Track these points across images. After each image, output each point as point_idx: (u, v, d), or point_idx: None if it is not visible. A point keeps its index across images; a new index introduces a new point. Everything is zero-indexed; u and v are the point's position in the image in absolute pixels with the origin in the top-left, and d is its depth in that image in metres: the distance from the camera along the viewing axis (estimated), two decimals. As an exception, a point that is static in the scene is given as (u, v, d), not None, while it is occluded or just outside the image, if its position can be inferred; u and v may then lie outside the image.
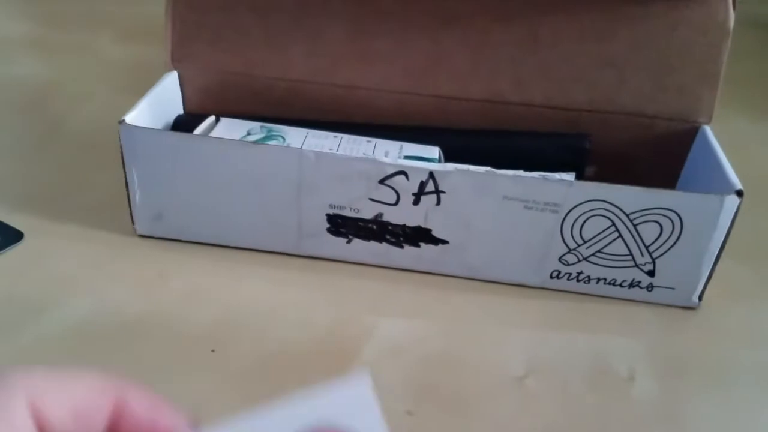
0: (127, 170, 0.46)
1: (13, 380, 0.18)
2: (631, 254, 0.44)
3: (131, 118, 0.45)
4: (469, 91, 0.51)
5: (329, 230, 0.46)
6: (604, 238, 0.43)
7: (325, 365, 0.40)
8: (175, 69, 0.53)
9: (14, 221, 0.50)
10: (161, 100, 0.51)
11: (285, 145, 0.47)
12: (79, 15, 0.90)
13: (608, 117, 0.50)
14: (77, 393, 0.19)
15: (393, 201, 0.44)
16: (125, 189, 0.47)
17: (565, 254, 0.44)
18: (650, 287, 0.45)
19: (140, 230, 0.49)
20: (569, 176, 0.44)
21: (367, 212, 0.45)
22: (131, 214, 0.49)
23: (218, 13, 0.52)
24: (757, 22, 0.90)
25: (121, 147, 0.45)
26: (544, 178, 0.42)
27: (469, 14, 0.50)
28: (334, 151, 0.45)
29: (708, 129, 0.49)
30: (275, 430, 0.20)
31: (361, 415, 0.21)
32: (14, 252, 0.47)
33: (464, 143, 0.50)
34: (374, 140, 0.48)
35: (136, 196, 0.47)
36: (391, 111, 0.52)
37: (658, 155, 0.51)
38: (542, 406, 0.38)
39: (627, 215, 0.42)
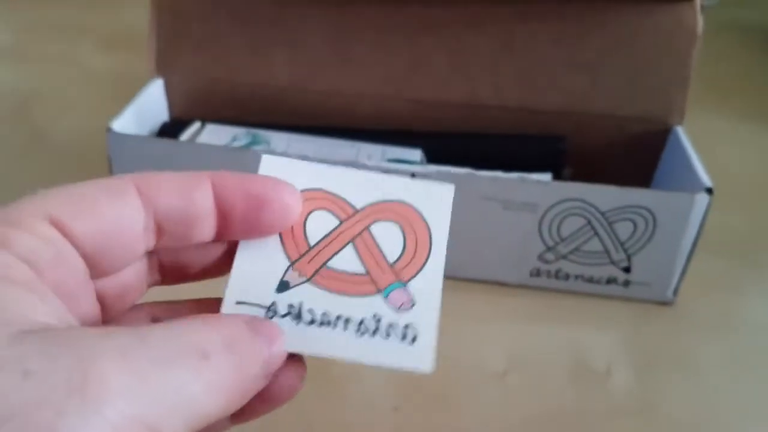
0: (113, 177, 0.47)
1: (34, 201, 0.17)
2: (607, 252, 0.45)
3: (117, 125, 0.46)
4: (447, 96, 0.52)
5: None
6: (581, 236, 0.45)
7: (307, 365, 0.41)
8: (160, 76, 0.54)
9: None
10: (146, 108, 0.52)
11: (270, 150, 0.48)
12: (59, 24, 0.90)
13: (583, 119, 0.52)
14: (107, 216, 0.18)
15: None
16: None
17: (543, 253, 0.46)
18: (626, 283, 0.46)
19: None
20: (546, 177, 0.45)
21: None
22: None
23: (201, 21, 0.53)
24: (739, 25, 0.93)
25: (108, 155, 0.46)
26: (522, 178, 0.43)
27: (447, 21, 0.51)
28: (319, 156, 0.46)
29: (680, 129, 0.50)
30: (359, 189, 0.23)
31: (434, 209, 0.24)
32: None
33: (444, 146, 0.51)
34: (357, 144, 0.49)
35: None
36: (372, 115, 0.53)
37: (631, 156, 0.52)
38: (523, 400, 0.40)
39: (602, 214, 0.43)
